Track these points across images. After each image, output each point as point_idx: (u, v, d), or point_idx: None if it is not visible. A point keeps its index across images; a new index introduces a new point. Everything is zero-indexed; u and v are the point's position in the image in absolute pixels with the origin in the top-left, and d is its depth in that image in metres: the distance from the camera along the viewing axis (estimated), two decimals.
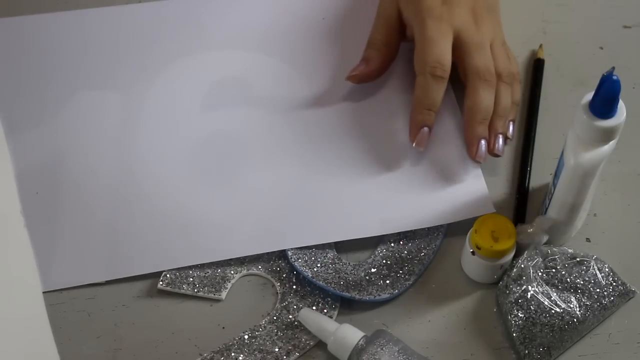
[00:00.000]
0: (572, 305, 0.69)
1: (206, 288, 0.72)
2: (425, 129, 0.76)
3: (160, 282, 0.72)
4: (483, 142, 0.76)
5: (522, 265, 0.70)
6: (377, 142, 0.79)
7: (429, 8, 0.77)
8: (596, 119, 0.63)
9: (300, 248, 0.74)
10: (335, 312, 0.71)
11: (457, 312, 0.72)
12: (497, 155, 0.77)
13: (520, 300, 0.69)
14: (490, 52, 0.78)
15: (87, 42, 0.86)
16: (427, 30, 0.76)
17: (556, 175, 0.70)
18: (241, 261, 0.74)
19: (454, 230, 0.75)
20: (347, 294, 0.71)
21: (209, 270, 0.73)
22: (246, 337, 0.70)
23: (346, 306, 0.72)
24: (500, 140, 0.77)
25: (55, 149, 0.79)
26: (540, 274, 0.70)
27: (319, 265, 0.73)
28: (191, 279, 0.72)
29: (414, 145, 0.76)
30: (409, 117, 0.78)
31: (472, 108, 0.76)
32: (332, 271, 0.73)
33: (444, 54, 0.76)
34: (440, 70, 0.75)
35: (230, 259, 0.73)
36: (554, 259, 0.71)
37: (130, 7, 0.88)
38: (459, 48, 0.77)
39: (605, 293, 0.70)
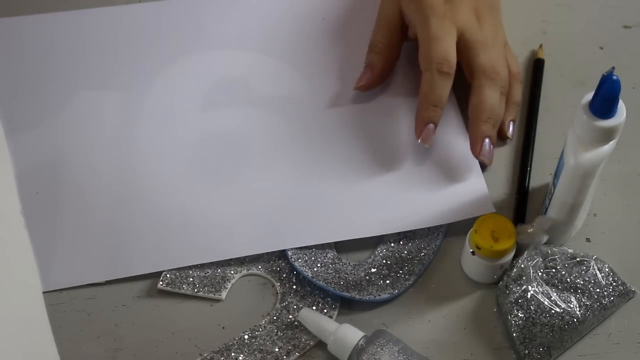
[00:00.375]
0: (572, 305, 0.69)
1: (206, 288, 0.72)
2: (431, 125, 0.76)
3: (160, 282, 0.72)
4: (487, 140, 0.76)
5: (522, 265, 0.70)
6: (377, 142, 0.79)
7: (432, 6, 0.77)
8: (596, 119, 0.63)
9: (300, 248, 0.74)
10: (335, 312, 0.71)
11: (457, 312, 0.72)
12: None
13: (520, 300, 0.69)
14: (494, 51, 0.78)
15: (87, 42, 0.86)
16: (431, 28, 0.76)
17: (556, 175, 0.70)
18: (241, 261, 0.74)
19: (454, 230, 0.75)
20: (347, 294, 0.71)
21: (209, 270, 0.73)
22: (246, 337, 0.70)
23: (346, 306, 0.72)
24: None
25: (55, 149, 0.79)
26: (540, 274, 0.70)
27: (319, 265, 0.73)
28: (191, 279, 0.72)
29: (419, 141, 0.76)
30: (415, 113, 0.78)
31: (477, 106, 0.76)
32: (332, 271, 0.73)
33: (449, 51, 0.76)
34: (447, 66, 0.76)
35: (230, 259, 0.73)
36: (554, 259, 0.71)
37: (130, 7, 0.88)
38: (463, 47, 0.77)
39: (605, 293, 0.70)
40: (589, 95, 0.64)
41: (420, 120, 0.77)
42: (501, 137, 0.80)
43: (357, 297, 0.71)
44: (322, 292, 0.72)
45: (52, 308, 0.71)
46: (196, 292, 0.72)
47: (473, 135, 0.77)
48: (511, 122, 0.79)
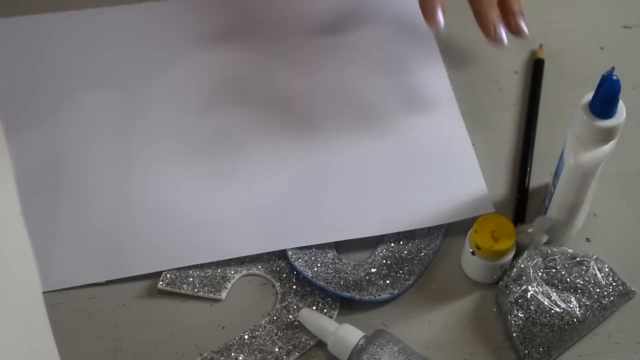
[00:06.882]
0: (572, 305, 0.69)
1: (206, 288, 0.72)
2: (439, 8, 0.72)
3: (160, 282, 0.72)
4: (498, 23, 0.73)
5: (522, 265, 0.70)
6: (377, 141, 0.79)
7: None
8: (596, 119, 0.64)
9: (300, 248, 0.74)
10: (335, 312, 0.71)
11: (457, 312, 0.72)
12: (521, 35, 0.74)
13: (520, 300, 0.69)
14: None
15: (87, 42, 0.86)
16: None
17: (556, 175, 0.70)
18: (241, 261, 0.74)
19: (454, 230, 0.75)
20: (347, 294, 0.71)
21: (209, 270, 0.73)
22: (246, 337, 0.70)
23: (346, 306, 0.72)
24: (520, 19, 0.74)
25: (55, 149, 0.79)
26: (540, 274, 0.70)
27: (319, 265, 0.73)
28: (191, 279, 0.72)
29: (432, 27, 0.73)
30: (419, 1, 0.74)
31: None
32: (332, 271, 0.73)
33: None
34: None
35: (230, 259, 0.73)
36: (554, 259, 0.71)
37: (130, 7, 0.88)
38: None
39: (605, 293, 0.70)
40: (589, 95, 0.64)
41: (429, 6, 0.72)
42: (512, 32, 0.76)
43: (357, 297, 0.71)
44: (322, 292, 0.72)
45: (52, 308, 0.71)
46: (196, 292, 0.72)
47: (483, 25, 0.74)
48: (521, 18, 0.74)
